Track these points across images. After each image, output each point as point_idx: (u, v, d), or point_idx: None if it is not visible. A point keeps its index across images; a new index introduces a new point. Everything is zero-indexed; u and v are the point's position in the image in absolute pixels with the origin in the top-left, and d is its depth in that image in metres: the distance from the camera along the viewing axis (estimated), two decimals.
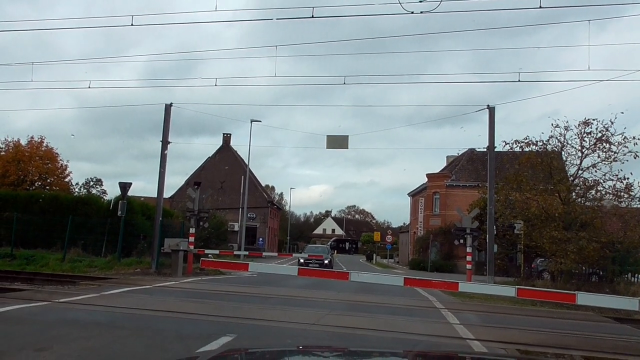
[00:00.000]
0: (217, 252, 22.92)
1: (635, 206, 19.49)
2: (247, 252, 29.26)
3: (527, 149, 20.16)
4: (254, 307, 10.34)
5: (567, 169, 20.42)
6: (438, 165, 59.58)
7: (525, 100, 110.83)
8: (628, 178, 18.78)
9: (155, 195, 20.59)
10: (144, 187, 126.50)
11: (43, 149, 36.67)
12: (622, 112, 24.90)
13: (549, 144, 19.87)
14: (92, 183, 48.67)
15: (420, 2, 12.24)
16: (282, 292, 13.47)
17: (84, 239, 20.95)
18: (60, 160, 37.34)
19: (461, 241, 17.63)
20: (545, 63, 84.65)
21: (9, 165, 34.81)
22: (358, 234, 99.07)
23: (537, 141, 19.95)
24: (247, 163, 39.96)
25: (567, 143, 19.68)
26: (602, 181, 19.29)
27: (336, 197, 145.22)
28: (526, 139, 20.07)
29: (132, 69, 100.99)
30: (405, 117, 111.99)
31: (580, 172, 19.91)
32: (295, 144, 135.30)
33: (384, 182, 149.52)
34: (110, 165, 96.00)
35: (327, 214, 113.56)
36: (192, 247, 18.23)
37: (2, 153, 36.24)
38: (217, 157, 54.12)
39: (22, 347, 5.95)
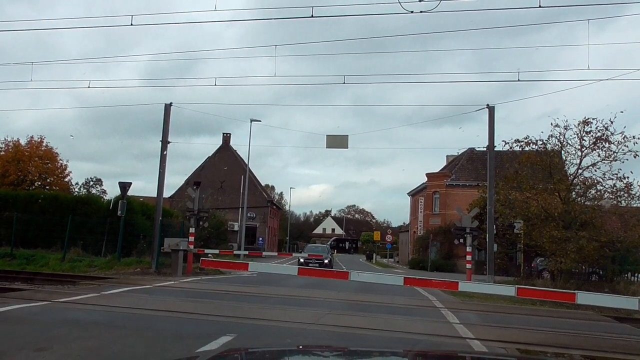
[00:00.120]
0: (217, 251, 22.92)
1: (635, 205, 19.50)
2: (247, 252, 29.25)
3: (526, 149, 20.18)
4: (254, 307, 10.34)
5: (566, 168, 20.43)
6: (438, 164, 59.60)
7: (525, 100, 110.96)
8: (628, 177, 18.82)
9: (155, 195, 20.59)
10: (143, 187, 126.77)
11: (43, 148, 36.68)
12: (622, 112, 24.92)
13: (549, 143, 19.91)
14: (91, 183, 48.79)
15: (420, 1, 12.24)
16: (282, 292, 13.47)
17: (84, 238, 20.96)
18: (60, 160, 37.40)
19: (461, 240, 17.62)
20: (545, 62, 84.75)
21: (9, 165, 34.81)
22: (358, 233, 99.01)
23: (536, 140, 20.00)
24: (246, 162, 39.98)
25: (567, 142, 19.72)
26: (601, 180, 19.32)
27: (336, 197, 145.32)
28: (526, 138, 20.11)
29: (132, 68, 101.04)
30: (405, 117, 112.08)
31: (579, 171, 19.93)
32: (295, 144, 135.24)
33: (384, 181, 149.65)
34: (110, 165, 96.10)
35: (327, 213, 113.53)
36: (192, 246, 18.24)
37: (2, 153, 36.23)
38: (217, 157, 54.11)
39: (22, 347, 5.95)
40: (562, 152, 20.26)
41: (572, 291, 9.90)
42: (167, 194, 34.83)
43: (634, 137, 18.51)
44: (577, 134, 19.36)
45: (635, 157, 18.50)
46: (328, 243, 62.23)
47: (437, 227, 40.71)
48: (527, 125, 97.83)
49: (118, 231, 19.71)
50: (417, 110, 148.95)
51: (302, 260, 27.90)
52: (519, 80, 17.41)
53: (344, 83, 19.68)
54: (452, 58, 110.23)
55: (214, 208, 34.68)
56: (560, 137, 19.62)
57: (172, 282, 14.95)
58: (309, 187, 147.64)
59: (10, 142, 36.63)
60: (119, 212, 19.39)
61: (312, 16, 13.30)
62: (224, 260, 17.72)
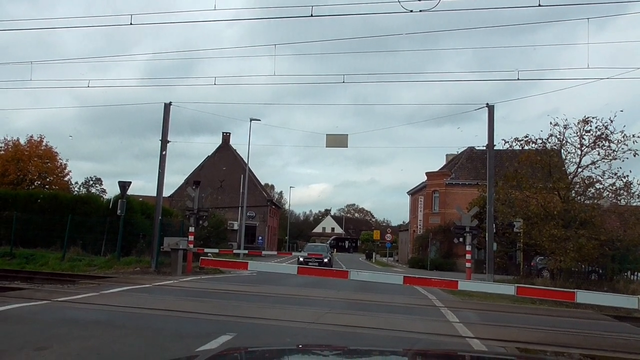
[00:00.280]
0: (216, 250, 22.98)
1: (634, 204, 19.51)
2: (246, 251, 29.33)
3: (526, 147, 20.17)
4: (254, 306, 10.34)
5: (566, 167, 20.43)
6: (437, 163, 59.56)
7: (524, 99, 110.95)
8: (627, 176, 18.81)
9: (155, 194, 20.59)
10: (143, 186, 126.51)
11: (42, 148, 36.65)
12: (622, 110, 24.93)
13: (549, 142, 19.91)
14: (91, 182, 48.63)
15: (420, 0, 12.23)
16: (281, 291, 13.47)
17: (84, 238, 20.95)
18: (60, 159, 37.36)
19: (460, 239, 17.63)
20: (545, 61, 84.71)
21: (9, 164, 34.79)
22: (357, 232, 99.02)
23: (536, 139, 19.99)
24: (246, 162, 39.96)
25: (567, 141, 19.71)
26: (601, 179, 19.32)
27: (336, 196, 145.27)
28: (526, 137, 20.10)
29: (132, 68, 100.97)
30: (405, 116, 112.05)
31: (579, 170, 19.94)
32: (295, 143, 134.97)
33: (384, 180, 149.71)
34: (110, 164, 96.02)
35: (327, 212, 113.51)
36: (191, 245, 18.23)
37: (2, 152, 36.20)
38: (217, 156, 54.10)
39: (22, 346, 5.95)
40: (562, 150, 20.27)
41: (571, 290, 9.93)
42: (166, 193, 34.81)
43: (633, 136, 18.53)
44: (577, 132, 19.39)
45: (635, 155, 18.51)
46: (328, 242, 62.25)
47: (437, 226, 40.72)
48: (526, 124, 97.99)
49: (118, 230, 19.71)
50: (417, 109, 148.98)
51: (301, 259, 27.94)
52: (518, 79, 17.43)
53: (344, 82, 19.82)
54: (451, 57, 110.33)
55: (214, 207, 34.75)
56: (560, 136, 19.65)
57: (172, 281, 14.95)
58: (308, 186, 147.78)
59: (9, 141, 36.62)
60: (119, 212, 19.39)
61: (311, 15, 13.30)
62: (223, 259, 17.77)
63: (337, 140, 20.58)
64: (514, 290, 9.61)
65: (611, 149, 18.84)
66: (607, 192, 19.30)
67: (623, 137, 18.59)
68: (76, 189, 41.74)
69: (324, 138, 20.34)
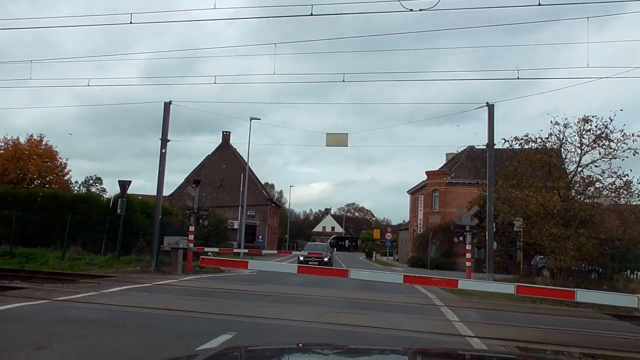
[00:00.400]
0: (216, 250, 22.97)
1: (634, 203, 19.51)
2: (246, 250, 29.30)
3: (526, 147, 20.17)
4: (254, 305, 10.35)
5: (566, 166, 20.44)
6: (437, 162, 59.60)
7: (524, 98, 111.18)
8: (627, 175, 18.81)
9: (155, 193, 20.60)
10: (143, 185, 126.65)
11: (42, 147, 36.65)
12: (621, 109, 24.93)
13: (548, 141, 19.91)
14: (91, 181, 48.78)
15: None
16: (281, 290, 13.47)
17: (84, 237, 20.95)
18: (60, 158, 37.38)
19: (460, 238, 17.64)
20: (545, 60, 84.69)
21: (8, 163, 34.79)
22: (358, 231, 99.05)
23: (536, 138, 20.00)
24: (246, 161, 39.94)
25: (567, 140, 19.72)
26: (601, 178, 19.32)
27: (336, 195, 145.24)
28: (525, 136, 20.10)
29: (132, 67, 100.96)
30: (405, 115, 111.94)
31: (579, 169, 19.94)
32: (295, 142, 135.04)
33: (384, 179, 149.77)
34: (110, 163, 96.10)
35: (327, 211, 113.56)
36: (191, 245, 18.24)
37: (2, 151, 36.20)
38: (217, 155, 54.11)
39: (22, 346, 5.95)
40: (562, 149, 20.27)
41: (571, 289, 9.92)
42: (166, 192, 34.78)
43: (633, 135, 18.55)
44: (577, 131, 19.39)
45: (634, 154, 18.52)
46: (328, 241, 62.29)
47: (437, 225, 40.74)
48: (526, 123, 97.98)
49: (118, 229, 19.70)
50: (417, 108, 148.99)
51: (301, 258, 27.95)
52: (518, 78, 17.53)
53: (344, 81, 19.81)
54: (451, 56, 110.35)
55: (214, 206, 34.74)
56: (560, 135, 19.65)
57: (172, 281, 14.95)
58: (308, 185, 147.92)
59: (9, 140, 36.66)
60: (119, 211, 19.39)
61: (311, 14, 13.28)
62: (223, 258, 17.77)
63: (337, 140, 20.59)
64: (513, 289, 9.61)
65: (611, 148, 18.86)
66: (607, 191, 19.31)
67: (623, 136, 18.62)
68: (76, 188, 41.84)
69: (324, 137, 20.39)
